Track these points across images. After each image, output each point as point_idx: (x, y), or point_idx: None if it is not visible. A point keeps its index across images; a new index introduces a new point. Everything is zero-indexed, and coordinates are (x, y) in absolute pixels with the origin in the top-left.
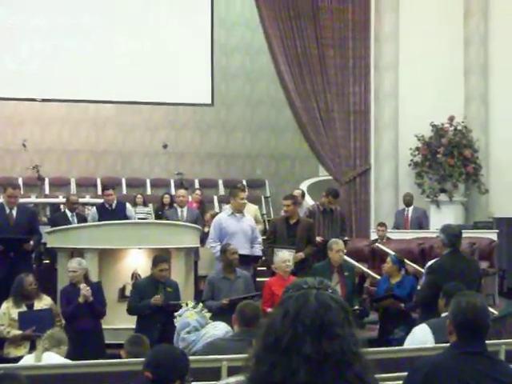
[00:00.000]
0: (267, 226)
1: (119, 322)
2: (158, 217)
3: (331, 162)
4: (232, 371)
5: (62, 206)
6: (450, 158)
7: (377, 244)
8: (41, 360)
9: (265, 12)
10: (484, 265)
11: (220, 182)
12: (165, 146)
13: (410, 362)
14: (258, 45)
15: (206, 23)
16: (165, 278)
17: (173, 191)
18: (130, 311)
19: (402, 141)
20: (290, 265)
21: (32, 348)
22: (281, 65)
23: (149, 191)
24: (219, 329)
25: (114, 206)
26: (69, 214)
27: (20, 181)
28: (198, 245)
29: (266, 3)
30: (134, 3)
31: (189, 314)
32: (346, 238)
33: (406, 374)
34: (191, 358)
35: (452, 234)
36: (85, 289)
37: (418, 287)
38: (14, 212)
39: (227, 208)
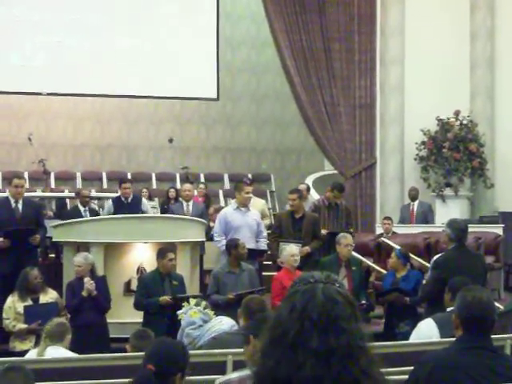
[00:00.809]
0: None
1: (124, 315)
2: (163, 211)
3: (337, 156)
4: (237, 365)
5: (67, 200)
6: (455, 152)
7: (382, 238)
8: (43, 355)
9: (270, 6)
10: (489, 259)
11: (225, 177)
12: (170, 141)
13: (415, 356)
14: (264, 39)
15: (211, 17)
16: (173, 268)
17: (178, 185)
18: (137, 307)
19: (407, 135)
20: (297, 259)
21: (38, 342)
22: (286, 59)
23: (154, 185)
24: (224, 323)
25: (129, 199)
26: (81, 208)
27: (26, 175)
28: (204, 239)
29: None
30: None
31: (192, 313)
32: (351, 230)
33: (411, 368)
34: (197, 352)
35: (458, 229)
36: (88, 282)
37: (424, 282)
38: (20, 205)
39: (233, 202)
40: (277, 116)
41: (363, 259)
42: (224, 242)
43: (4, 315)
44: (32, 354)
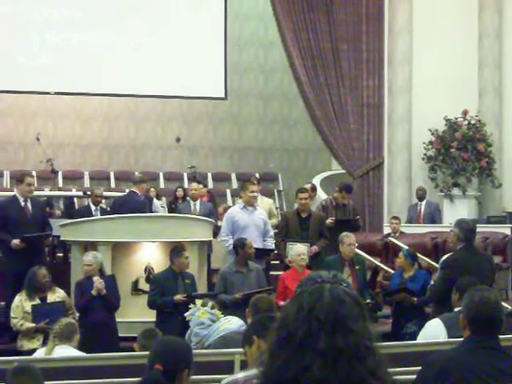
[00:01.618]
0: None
1: (132, 315)
2: (171, 210)
3: (344, 155)
4: (245, 365)
5: (75, 200)
6: (463, 152)
7: (390, 238)
8: (51, 355)
9: (278, 5)
10: (497, 259)
11: (233, 176)
12: (178, 140)
13: (423, 356)
14: (272, 38)
15: (219, 16)
16: (188, 266)
17: (186, 185)
18: (151, 306)
19: (415, 135)
20: (305, 258)
21: (45, 341)
22: (294, 58)
23: (162, 185)
24: (233, 323)
25: (141, 199)
26: (93, 207)
27: (34, 174)
28: (211, 238)
29: None
30: None
31: (200, 313)
32: (358, 217)
33: (419, 368)
34: (205, 351)
35: (467, 229)
36: (98, 281)
37: (432, 282)
38: (29, 204)
39: (240, 201)
40: (284, 115)
41: (371, 259)
42: (231, 241)
43: (12, 314)
44: (40, 354)
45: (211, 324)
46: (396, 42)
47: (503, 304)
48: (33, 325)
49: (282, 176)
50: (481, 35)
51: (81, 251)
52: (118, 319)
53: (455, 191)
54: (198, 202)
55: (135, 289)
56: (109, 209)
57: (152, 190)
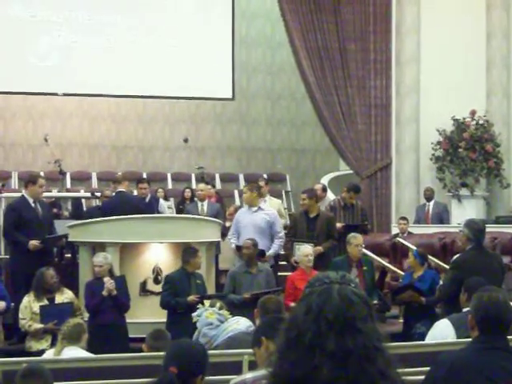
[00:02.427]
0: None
1: (141, 315)
2: (179, 211)
3: (352, 156)
4: (253, 365)
5: (83, 201)
6: (471, 152)
7: (398, 238)
8: (60, 355)
9: (285, 5)
10: (506, 260)
11: (241, 177)
12: (186, 141)
13: (431, 356)
14: (279, 38)
15: (227, 17)
16: (200, 266)
17: (194, 185)
18: (165, 306)
19: (423, 135)
20: (311, 259)
21: (54, 341)
22: (302, 58)
23: (170, 185)
24: (241, 323)
25: (147, 199)
26: None
27: (42, 175)
28: (219, 239)
29: None
30: None
31: (208, 314)
32: (366, 223)
33: (427, 368)
34: (213, 352)
35: (476, 229)
36: (109, 282)
37: (440, 282)
38: (38, 206)
39: None
40: (292, 116)
41: (379, 259)
42: (233, 240)
43: (20, 315)
44: (48, 355)
45: (219, 324)
46: (404, 42)
47: None
48: (41, 326)
49: (290, 176)
50: (489, 35)
51: (89, 252)
52: (126, 320)
53: (463, 191)
54: (205, 203)
55: (143, 290)
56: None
57: (160, 190)
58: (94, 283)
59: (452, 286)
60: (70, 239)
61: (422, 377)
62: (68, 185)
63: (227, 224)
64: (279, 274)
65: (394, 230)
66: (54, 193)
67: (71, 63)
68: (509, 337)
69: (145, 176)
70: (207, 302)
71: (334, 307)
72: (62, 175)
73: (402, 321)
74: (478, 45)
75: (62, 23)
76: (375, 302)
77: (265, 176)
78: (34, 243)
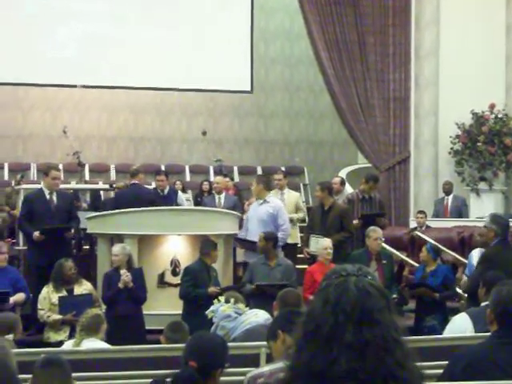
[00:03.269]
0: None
1: (158, 307)
2: (196, 203)
3: (370, 149)
4: (271, 358)
5: (101, 192)
6: (490, 146)
7: (416, 232)
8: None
9: None
10: None
11: (258, 169)
12: (204, 133)
13: (449, 350)
14: (298, 30)
15: (245, 9)
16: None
17: (212, 178)
18: (185, 298)
19: (442, 128)
20: (331, 252)
21: (72, 333)
22: (320, 51)
23: (188, 178)
24: (259, 316)
25: (165, 192)
26: None
27: (60, 167)
28: (237, 231)
29: None
30: None
31: (224, 308)
32: (384, 212)
33: (445, 362)
34: (230, 344)
35: (504, 225)
36: (125, 274)
37: (464, 277)
38: (54, 197)
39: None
40: (310, 108)
41: (397, 253)
42: (242, 233)
43: (39, 306)
44: (67, 347)
45: (237, 317)
46: (423, 35)
47: None
48: (60, 317)
49: (308, 169)
50: (508, 28)
51: (107, 244)
52: (144, 312)
53: (482, 185)
54: (222, 196)
55: (161, 281)
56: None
57: (178, 183)
58: (111, 275)
59: (477, 281)
60: (88, 231)
61: (440, 371)
62: (87, 176)
63: (244, 217)
64: (297, 266)
65: (412, 224)
66: (73, 184)
67: (90, 55)
68: None
69: (163, 168)
70: (222, 298)
71: (352, 299)
72: (81, 167)
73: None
74: (497, 38)
75: (80, 15)
76: (394, 296)
77: (283, 169)
78: (35, 234)
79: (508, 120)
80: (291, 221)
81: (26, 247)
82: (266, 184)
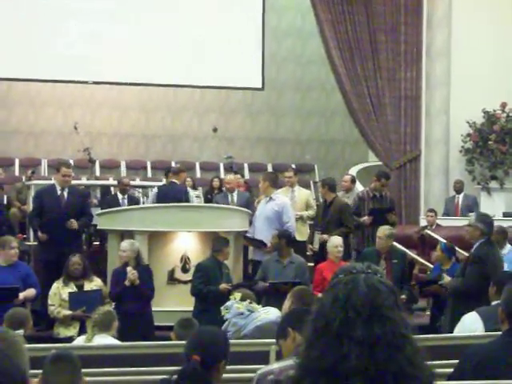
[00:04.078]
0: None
1: (168, 304)
2: (207, 200)
3: (381, 147)
4: (281, 355)
5: (112, 189)
6: (501, 144)
7: (426, 230)
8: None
9: None
10: None
11: (269, 167)
12: (215, 130)
13: (459, 349)
14: (309, 29)
15: (257, 7)
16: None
17: (222, 175)
18: (196, 294)
19: (453, 127)
20: (341, 250)
21: (82, 328)
22: (332, 49)
23: (198, 174)
24: (271, 313)
25: (181, 189)
26: (120, 196)
27: (71, 163)
28: (247, 228)
29: None
30: None
31: (239, 306)
32: (393, 212)
33: (456, 361)
34: (240, 341)
35: (490, 224)
36: (131, 272)
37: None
38: (66, 193)
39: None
40: (321, 106)
41: (407, 251)
42: (250, 231)
43: (49, 301)
44: (79, 342)
45: (250, 314)
46: (434, 34)
47: None
48: (70, 312)
49: (319, 167)
50: None
51: (117, 240)
52: (153, 308)
53: (493, 184)
54: (235, 193)
55: (171, 278)
56: (143, 198)
57: (188, 180)
58: (119, 271)
59: (480, 281)
60: (98, 227)
61: (451, 369)
62: (97, 173)
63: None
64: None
65: (423, 222)
66: (83, 181)
67: (101, 52)
68: None
69: (173, 165)
70: (238, 296)
71: (361, 295)
72: (92, 163)
73: (428, 313)
74: (508, 37)
75: (92, 12)
76: (403, 296)
77: (293, 166)
78: (40, 234)
79: None
80: (301, 218)
81: (36, 242)
82: (273, 181)
